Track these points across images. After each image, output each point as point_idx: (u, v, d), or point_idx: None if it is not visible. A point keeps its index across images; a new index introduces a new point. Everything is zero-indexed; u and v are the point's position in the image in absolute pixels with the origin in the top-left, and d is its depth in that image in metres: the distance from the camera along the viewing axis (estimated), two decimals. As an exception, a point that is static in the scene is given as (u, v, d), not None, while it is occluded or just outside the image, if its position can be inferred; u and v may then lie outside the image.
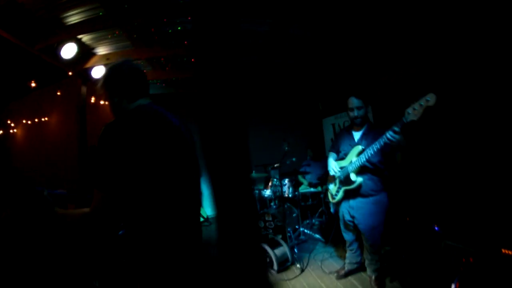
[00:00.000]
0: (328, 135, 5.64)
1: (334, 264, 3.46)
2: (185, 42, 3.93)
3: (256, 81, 5.38)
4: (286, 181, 4.57)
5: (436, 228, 2.74)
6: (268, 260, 3.43)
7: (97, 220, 1.12)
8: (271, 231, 4.10)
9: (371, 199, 2.57)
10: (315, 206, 4.75)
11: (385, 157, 2.48)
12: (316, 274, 3.21)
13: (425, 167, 3.15)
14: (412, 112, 2.03)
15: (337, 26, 3.51)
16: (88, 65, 4.00)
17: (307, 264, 3.50)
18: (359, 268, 2.96)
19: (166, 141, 1.15)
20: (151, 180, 1.08)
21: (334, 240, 4.10)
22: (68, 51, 3.59)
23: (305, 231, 4.33)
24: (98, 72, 4.22)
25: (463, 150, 2.75)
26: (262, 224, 4.30)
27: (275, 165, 4.52)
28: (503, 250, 1.92)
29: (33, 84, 4.38)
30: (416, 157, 2.85)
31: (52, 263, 2.41)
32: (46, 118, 5.45)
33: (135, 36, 3.64)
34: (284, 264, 3.50)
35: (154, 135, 1.11)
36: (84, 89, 4.16)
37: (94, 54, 4.02)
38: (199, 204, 1.31)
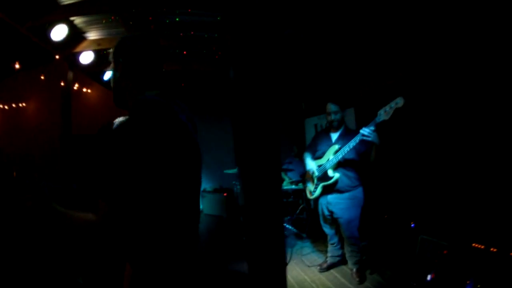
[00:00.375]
0: (310, 135, 5.73)
1: (316, 258, 3.58)
2: (181, 34, 3.84)
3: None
4: None
5: (412, 225, 2.93)
6: None
7: (103, 231, 0.95)
8: None
9: (347, 194, 2.80)
10: (296, 202, 4.88)
11: (360, 155, 2.72)
12: (300, 268, 3.31)
13: (398, 166, 3.35)
14: (384, 113, 2.40)
15: (323, 31, 3.65)
16: (77, 50, 3.76)
17: (290, 258, 3.59)
18: (341, 261, 3.12)
19: (181, 148, 0.96)
20: (163, 190, 0.91)
21: (315, 235, 4.25)
22: (58, 33, 3.36)
23: (287, 226, 4.41)
24: (86, 57, 4.00)
25: (433, 149, 2.97)
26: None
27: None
28: (473, 244, 2.09)
29: (17, 66, 4.03)
30: (389, 156, 3.02)
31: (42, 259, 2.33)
32: (24, 104, 5.06)
33: (131, 23, 3.50)
34: None
35: (170, 141, 0.92)
36: (70, 75, 3.91)
37: (84, 39, 3.80)
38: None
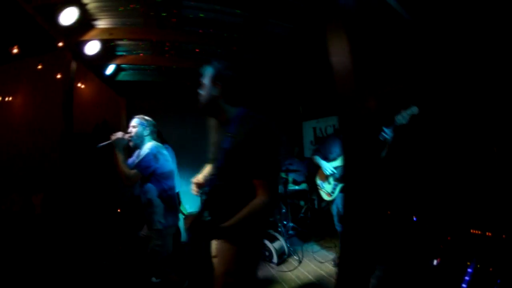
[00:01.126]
0: (308, 137, 5.76)
1: (326, 254, 3.60)
2: (200, 31, 3.53)
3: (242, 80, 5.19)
4: None
5: (414, 219, 3.07)
6: (267, 253, 3.37)
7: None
8: None
9: None
10: (298, 203, 4.84)
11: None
12: (314, 264, 3.33)
13: (405, 163, 3.47)
14: (402, 118, 2.56)
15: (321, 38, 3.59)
16: (85, 38, 3.21)
17: (302, 256, 3.56)
18: None
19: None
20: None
21: (320, 234, 4.26)
22: (68, 16, 2.84)
23: (294, 226, 4.35)
24: (92, 47, 3.45)
25: (433, 150, 3.10)
26: None
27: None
28: (471, 230, 2.29)
29: (15, 50, 3.29)
30: (398, 155, 3.15)
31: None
32: (13, 97, 4.23)
33: (152, 13, 3.09)
34: (282, 257, 3.49)
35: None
36: (74, 66, 3.33)
37: (92, 27, 3.25)
38: None
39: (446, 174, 2.84)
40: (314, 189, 4.68)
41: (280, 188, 4.43)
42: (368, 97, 1.41)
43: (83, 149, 3.70)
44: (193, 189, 1.56)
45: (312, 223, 4.52)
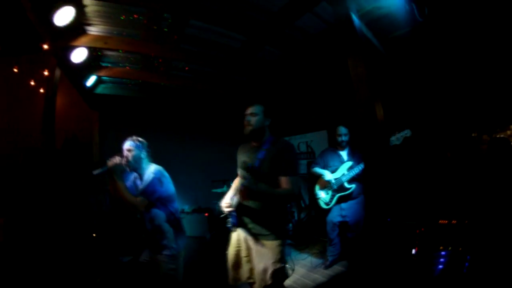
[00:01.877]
0: None
1: (315, 260, 3.66)
2: (195, 50, 3.49)
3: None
4: None
5: (388, 219, 3.42)
6: None
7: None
8: None
9: (357, 199, 3.10)
10: None
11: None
12: (306, 270, 3.36)
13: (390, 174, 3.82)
14: (395, 139, 2.73)
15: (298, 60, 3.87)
16: (74, 43, 2.84)
17: (294, 264, 3.53)
18: (338, 258, 3.35)
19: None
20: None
21: (305, 242, 4.30)
22: (63, 16, 2.51)
23: None
24: (79, 55, 3.07)
25: (414, 164, 3.42)
26: None
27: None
28: (440, 221, 2.57)
29: None
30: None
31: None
32: None
33: (154, 27, 2.95)
34: None
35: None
36: (58, 73, 2.86)
37: (85, 32, 2.91)
38: None
39: (420, 179, 3.20)
40: (297, 201, 4.80)
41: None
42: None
43: (51, 167, 3.07)
44: (224, 208, 1.84)
45: (295, 234, 4.55)
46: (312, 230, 4.50)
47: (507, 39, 2.31)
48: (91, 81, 3.69)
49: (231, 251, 1.87)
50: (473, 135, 2.94)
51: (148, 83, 4.19)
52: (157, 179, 1.96)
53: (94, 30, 2.95)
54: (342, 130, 3.09)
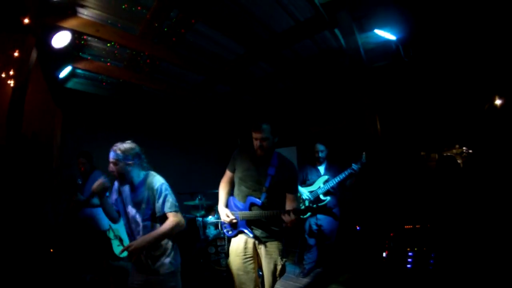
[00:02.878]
0: None
1: (292, 268, 3.59)
2: (193, 56, 3.29)
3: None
4: None
5: (358, 228, 3.63)
6: None
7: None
8: (223, 255, 3.57)
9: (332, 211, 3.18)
10: None
11: (340, 183, 3.11)
12: (289, 278, 3.30)
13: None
14: (365, 158, 2.93)
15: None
16: (60, 23, 2.35)
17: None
18: (316, 265, 3.43)
19: None
20: None
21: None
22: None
23: None
24: (62, 39, 2.56)
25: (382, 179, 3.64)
26: (213, 250, 3.68)
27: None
28: (406, 226, 2.81)
29: None
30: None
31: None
32: None
33: (155, 25, 2.70)
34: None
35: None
36: (34, 55, 2.28)
37: (75, 14, 2.45)
38: None
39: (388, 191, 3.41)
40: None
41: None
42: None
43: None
44: (227, 221, 1.90)
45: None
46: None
47: (456, 86, 2.87)
48: (64, 72, 3.07)
49: (236, 260, 1.88)
50: (421, 153, 3.46)
51: (127, 83, 3.72)
52: (166, 189, 1.68)
53: (86, 14, 2.52)
54: (320, 147, 3.22)
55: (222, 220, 1.94)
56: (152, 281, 1.62)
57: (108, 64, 3.29)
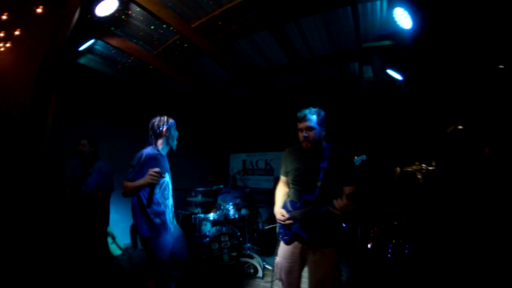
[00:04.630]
0: (236, 168, 5.58)
1: None
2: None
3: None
4: (231, 205, 4.12)
5: (344, 225, 4.02)
6: (252, 270, 3.18)
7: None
8: (226, 250, 3.44)
9: None
10: (242, 226, 4.45)
11: None
12: None
13: None
14: (356, 162, 3.40)
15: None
16: None
17: (272, 268, 3.45)
18: None
19: None
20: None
21: (271, 250, 4.16)
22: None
23: (249, 245, 3.96)
24: (106, 8, 1.97)
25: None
26: (217, 246, 3.49)
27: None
28: (394, 222, 2.93)
29: None
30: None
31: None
32: None
33: (219, 23, 2.36)
34: (263, 272, 3.32)
35: None
36: (76, 16, 1.63)
37: None
38: None
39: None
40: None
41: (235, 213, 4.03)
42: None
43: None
44: (281, 221, 1.64)
45: (259, 242, 4.33)
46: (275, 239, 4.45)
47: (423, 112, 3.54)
48: (86, 45, 2.32)
49: (282, 262, 1.67)
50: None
51: (145, 71, 3.10)
52: None
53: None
54: None
55: (277, 222, 1.71)
56: None
57: (139, 47, 2.68)
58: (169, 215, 1.78)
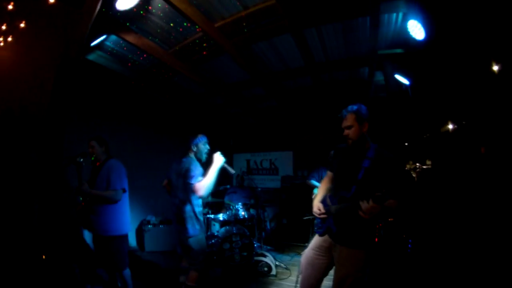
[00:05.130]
0: (239, 168, 5.40)
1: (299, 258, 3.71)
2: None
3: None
4: (240, 205, 4.05)
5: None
6: (266, 269, 3.18)
7: None
8: (237, 250, 3.41)
9: None
10: (250, 225, 4.39)
11: None
12: (297, 271, 3.36)
13: None
14: None
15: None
16: None
17: (285, 266, 3.46)
18: None
19: None
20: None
21: (281, 247, 4.17)
22: None
23: (259, 244, 3.93)
24: (127, 2, 1.74)
25: None
26: (228, 246, 3.44)
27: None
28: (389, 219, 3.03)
29: None
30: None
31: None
32: None
33: (243, 24, 2.21)
34: (276, 270, 3.33)
35: None
36: (98, 7, 1.42)
37: None
38: None
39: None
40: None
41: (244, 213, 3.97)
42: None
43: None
44: (317, 214, 1.64)
45: (268, 240, 4.32)
46: (286, 236, 4.47)
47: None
48: (97, 40, 2.05)
49: (309, 252, 1.65)
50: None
51: (156, 72, 2.86)
52: None
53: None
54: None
55: (314, 213, 1.68)
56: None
57: (154, 44, 2.44)
58: None
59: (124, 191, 1.99)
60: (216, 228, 3.92)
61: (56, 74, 1.38)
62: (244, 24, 2.28)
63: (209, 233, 3.70)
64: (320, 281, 1.62)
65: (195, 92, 3.72)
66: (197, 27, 2.19)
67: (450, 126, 3.34)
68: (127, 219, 2.06)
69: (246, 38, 2.50)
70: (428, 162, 1.40)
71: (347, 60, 3.00)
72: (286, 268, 3.23)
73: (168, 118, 4.16)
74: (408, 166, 1.40)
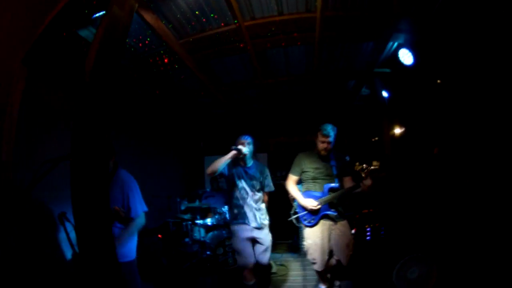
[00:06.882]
0: None
1: (292, 255, 3.74)
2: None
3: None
4: (227, 208, 3.89)
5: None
6: None
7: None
8: (230, 254, 3.36)
9: None
10: None
11: None
12: (293, 266, 3.35)
13: None
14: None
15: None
16: None
17: (280, 263, 3.55)
18: None
19: None
20: None
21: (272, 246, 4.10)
22: None
23: None
24: None
25: None
26: (222, 251, 3.35)
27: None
28: (363, 211, 3.02)
29: None
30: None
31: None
32: None
33: (272, 28, 2.05)
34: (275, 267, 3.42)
35: None
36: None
37: None
38: None
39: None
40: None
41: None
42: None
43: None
44: (314, 208, 1.97)
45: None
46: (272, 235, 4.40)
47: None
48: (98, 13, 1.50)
49: (316, 240, 1.98)
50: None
51: (157, 63, 2.34)
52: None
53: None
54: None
55: (304, 211, 2.01)
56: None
57: (167, 29, 1.99)
58: None
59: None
60: (201, 234, 3.59)
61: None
62: (273, 28, 2.17)
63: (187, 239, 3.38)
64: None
65: (189, 89, 3.29)
66: (235, 21, 1.92)
67: (398, 130, 4.00)
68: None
69: (267, 42, 2.37)
70: (375, 163, 1.74)
71: (341, 70, 3.23)
72: (282, 265, 3.27)
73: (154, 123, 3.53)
74: (356, 168, 1.78)
